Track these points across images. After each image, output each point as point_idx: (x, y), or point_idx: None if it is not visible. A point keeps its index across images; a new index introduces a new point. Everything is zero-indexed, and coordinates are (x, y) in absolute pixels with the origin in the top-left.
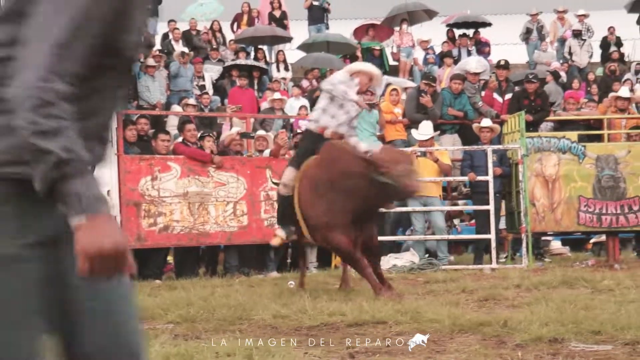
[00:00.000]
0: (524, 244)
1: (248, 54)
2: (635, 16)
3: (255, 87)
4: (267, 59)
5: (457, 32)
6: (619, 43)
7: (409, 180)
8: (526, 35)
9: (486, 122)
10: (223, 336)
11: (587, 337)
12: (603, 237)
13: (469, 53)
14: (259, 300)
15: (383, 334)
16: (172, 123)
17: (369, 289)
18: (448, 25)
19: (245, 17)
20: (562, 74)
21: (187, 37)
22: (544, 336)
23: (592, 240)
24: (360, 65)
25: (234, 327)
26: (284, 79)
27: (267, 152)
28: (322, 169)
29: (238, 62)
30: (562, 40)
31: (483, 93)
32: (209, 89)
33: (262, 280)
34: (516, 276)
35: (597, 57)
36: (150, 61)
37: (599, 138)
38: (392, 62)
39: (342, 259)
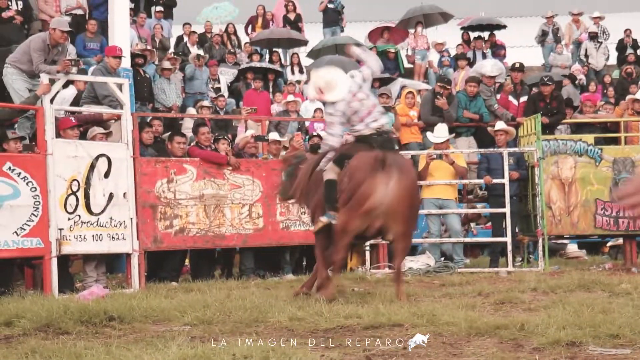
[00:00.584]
0: (539, 247)
1: (262, 56)
2: None
3: (270, 89)
4: (282, 61)
5: (472, 34)
6: (635, 45)
7: None
8: (542, 37)
9: (500, 124)
10: (239, 338)
11: (605, 341)
12: (620, 241)
13: (484, 56)
14: (275, 302)
15: (399, 336)
16: (187, 125)
17: (385, 292)
18: (463, 27)
19: (260, 20)
20: (582, 76)
21: (203, 40)
22: (561, 340)
23: (609, 244)
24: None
25: (250, 329)
26: (299, 81)
27: (283, 155)
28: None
29: (253, 64)
30: (578, 43)
31: (498, 96)
32: (224, 92)
33: (277, 283)
34: (532, 279)
35: (613, 60)
36: (166, 64)
37: (615, 141)
38: (407, 65)
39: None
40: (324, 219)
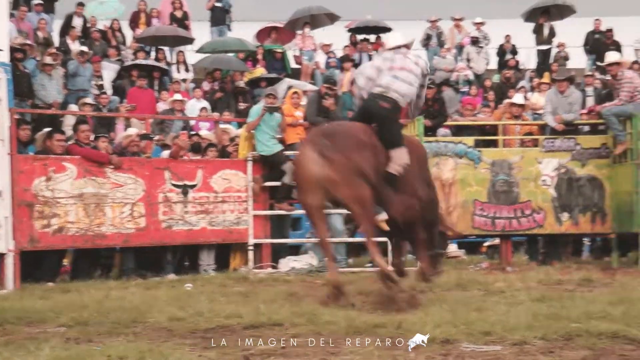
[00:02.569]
0: None
1: (147, 53)
2: (531, 25)
3: (156, 87)
4: (168, 59)
5: (359, 36)
6: (514, 51)
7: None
8: (426, 41)
9: None
10: (116, 339)
11: (477, 338)
12: (497, 241)
13: (370, 58)
14: (155, 303)
15: (279, 336)
16: (68, 123)
17: (267, 291)
18: (350, 29)
19: (143, 17)
20: (468, 71)
21: (86, 36)
22: (436, 337)
23: (486, 244)
24: None
25: (128, 330)
26: (185, 80)
27: (166, 154)
28: None
29: (138, 62)
30: (460, 47)
31: None
32: (108, 89)
33: (159, 283)
34: (411, 278)
35: (493, 64)
36: (47, 59)
37: (494, 143)
38: (294, 65)
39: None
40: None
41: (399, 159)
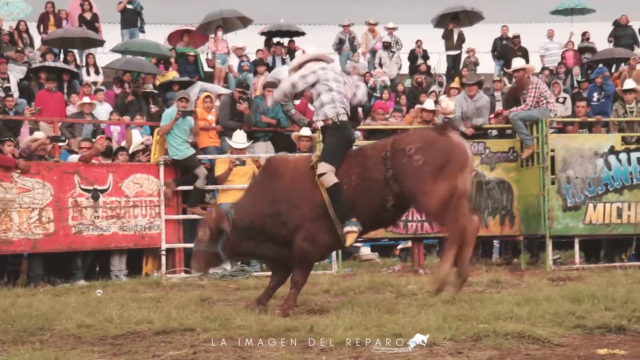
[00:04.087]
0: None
1: (56, 55)
2: (440, 31)
3: (65, 90)
4: (78, 62)
5: (273, 40)
6: (425, 56)
7: None
8: (339, 45)
9: (305, 131)
10: (22, 347)
11: (388, 339)
12: (409, 243)
13: (284, 62)
14: (64, 309)
15: (190, 341)
16: None
17: (179, 296)
18: (263, 33)
19: (52, 18)
20: (385, 78)
21: None
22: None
23: (399, 247)
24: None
25: (34, 338)
26: (95, 82)
27: (75, 157)
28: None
29: (46, 64)
30: (373, 52)
31: (297, 102)
32: (15, 92)
33: (68, 290)
34: (326, 282)
35: (405, 69)
36: None
37: None
38: (207, 69)
39: None
40: (353, 228)
41: None
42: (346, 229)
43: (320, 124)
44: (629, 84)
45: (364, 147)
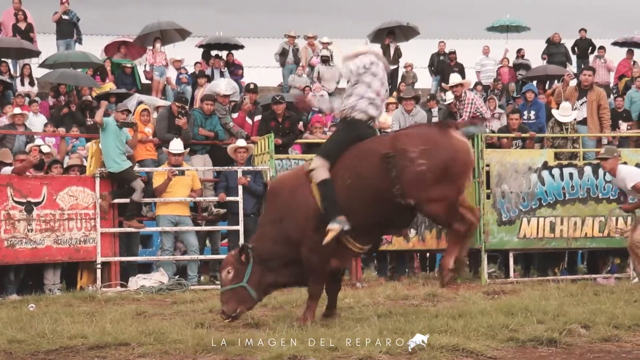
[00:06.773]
0: None
1: None
2: (377, 46)
3: None
4: (12, 72)
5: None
6: None
7: None
8: (282, 56)
9: (241, 142)
10: None
11: (324, 353)
12: None
13: (222, 74)
14: None
15: (125, 356)
16: None
17: (114, 310)
18: (201, 46)
19: None
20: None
21: None
22: (283, 354)
23: None
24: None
25: None
26: (29, 94)
27: (8, 170)
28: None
29: None
30: (311, 66)
31: (235, 115)
32: None
33: (0, 304)
34: None
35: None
36: None
37: None
38: (144, 81)
39: None
40: (335, 226)
41: None
42: (329, 226)
43: (337, 114)
44: (566, 111)
45: (360, 144)
